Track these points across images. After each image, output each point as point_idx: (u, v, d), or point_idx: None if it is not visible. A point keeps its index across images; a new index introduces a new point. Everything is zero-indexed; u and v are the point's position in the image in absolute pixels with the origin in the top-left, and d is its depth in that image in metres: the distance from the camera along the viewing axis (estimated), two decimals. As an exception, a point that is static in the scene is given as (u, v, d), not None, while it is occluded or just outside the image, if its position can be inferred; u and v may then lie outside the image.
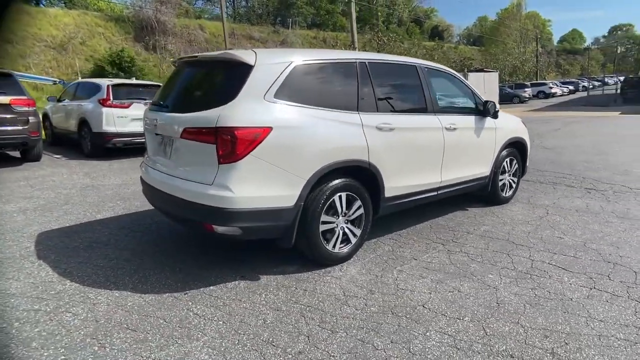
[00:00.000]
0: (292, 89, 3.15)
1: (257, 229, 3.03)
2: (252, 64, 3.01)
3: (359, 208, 3.53)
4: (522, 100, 33.25)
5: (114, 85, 8.89)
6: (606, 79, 46.77)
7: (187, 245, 4.02)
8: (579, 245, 3.88)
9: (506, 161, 5.12)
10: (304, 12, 58.44)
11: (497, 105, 4.66)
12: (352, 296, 2.99)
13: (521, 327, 2.59)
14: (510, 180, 5.30)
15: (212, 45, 40.60)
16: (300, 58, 3.27)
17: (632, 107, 22.17)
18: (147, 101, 8.98)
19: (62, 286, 3.16)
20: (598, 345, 2.39)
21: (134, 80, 9.22)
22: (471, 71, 23.26)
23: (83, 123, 9.10)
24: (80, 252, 3.84)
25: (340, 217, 3.43)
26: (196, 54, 3.40)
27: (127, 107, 8.77)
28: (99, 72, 25.82)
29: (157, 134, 3.45)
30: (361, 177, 3.51)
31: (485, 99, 4.68)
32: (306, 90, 3.26)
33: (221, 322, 2.66)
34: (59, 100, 10.68)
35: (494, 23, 64.18)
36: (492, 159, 4.87)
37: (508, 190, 5.29)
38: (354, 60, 3.62)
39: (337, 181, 3.32)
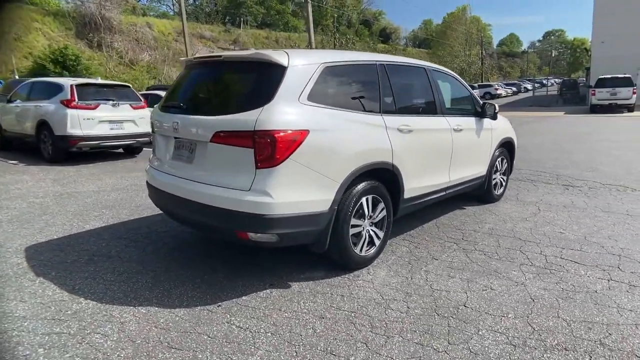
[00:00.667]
0: (323, 91, 3.09)
1: (293, 235, 2.93)
2: (286, 65, 2.91)
3: (382, 210, 3.52)
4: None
5: (78, 85, 8.31)
6: (545, 81, 49.99)
7: (196, 255, 3.82)
8: (580, 239, 4.09)
9: (498, 160, 5.31)
10: (254, 12, 57.89)
11: (497, 107, 4.82)
12: (392, 299, 2.97)
13: (563, 320, 2.68)
14: (501, 179, 5.50)
15: (162, 44, 39.27)
16: (327, 59, 3.20)
17: (572, 107, 23.90)
18: (115, 102, 8.52)
19: (78, 305, 2.90)
20: (639, 334, 2.52)
21: (99, 80, 8.67)
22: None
23: (42, 125, 8.44)
24: (82, 266, 3.55)
25: (366, 220, 3.40)
26: (220, 54, 3.22)
27: (94, 108, 8.24)
28: (39, 71, 24.06)
29: (175, 138, 3.25)
30: (384, 179, 3.50)
31: (483, 101, 4.82)
32: (335, 92, 3.22)
33: (270, 334, 2.55)
34: (10, 101, 9.84)
35: (442, 26, 66.70)
36: (489, 159, 5.04)
37: (499, 189, 5.49)
38: (374, 62, 3.61)
39: (364, 184, 3.29)
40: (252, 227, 2.83)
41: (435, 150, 4.06)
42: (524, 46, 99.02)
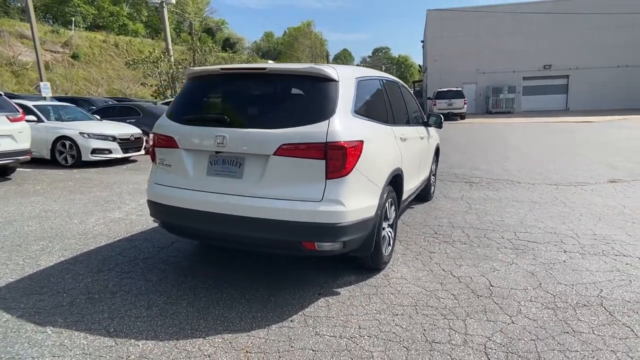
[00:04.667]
0: (360, 104, 3.30)
1: (352, 241, 3.06)
2: (337, 79, 3.04)
3: (394, 212, 3.85)
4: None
5: None
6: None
7: (210, 277, 3.56)
8: (518, 224, 5.05)
9: (433, 163, 6.12)
10: (82, 12, 51.92)
11: (442, 117, 5.58)
12: (435, 290, 3.32)
13: (565, 285, 3.39)
14: (433, 179, 6.34)
15: (-31, 42, 32.55)
16: (357, 74, 3.43)
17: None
18: (4, 113, 7.02)
19: (135, 348, 2.55)
20: (617, 286, 3.34)
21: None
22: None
23: None
24: (89, 307, 3.05)
25: (386, 222, 3.69)
26: (263, 66, 3.12)
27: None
28: None
29: (217, 152, 3.03)
30: (393, 183, 3.84)
31: (429, 113, 5.55)
32: (366, 105, 3.44)
33: (367, 337, 2.66)
34: None
35: (288, 39, 69.77)
36: (431, 162, 5.79)
37: (432, 188, 6.31)
38: (379, 77, 3.93)
39: (387, 188, 3.57)
40: (323, 236, 2.88)
41: (416, 156, 4.58)
42: (357, 61, 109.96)
